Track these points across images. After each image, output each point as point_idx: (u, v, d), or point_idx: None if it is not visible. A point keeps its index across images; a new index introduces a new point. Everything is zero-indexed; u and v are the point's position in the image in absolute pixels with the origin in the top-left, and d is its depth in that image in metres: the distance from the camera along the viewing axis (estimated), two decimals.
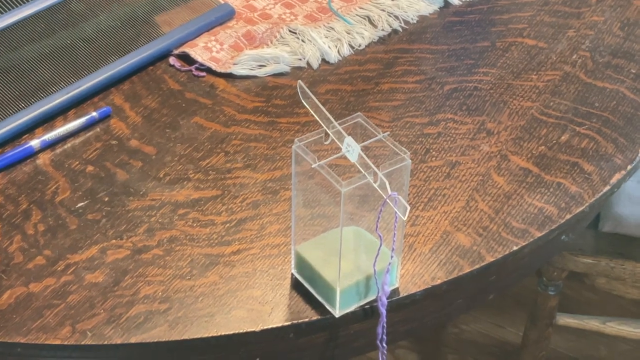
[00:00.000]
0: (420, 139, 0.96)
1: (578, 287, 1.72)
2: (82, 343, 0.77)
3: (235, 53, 1.06)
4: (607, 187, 0.91)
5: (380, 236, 0.74)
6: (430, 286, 0.82)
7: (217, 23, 1.09)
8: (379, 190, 0.72)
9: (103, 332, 0.78)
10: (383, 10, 1.11)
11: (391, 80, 1.03)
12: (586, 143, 0.96)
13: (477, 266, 0.83)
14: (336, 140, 0.74)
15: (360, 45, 1.08)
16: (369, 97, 1.01)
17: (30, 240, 0.85)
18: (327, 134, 0.75)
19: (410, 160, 0.74)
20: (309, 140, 0.75)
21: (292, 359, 0.84)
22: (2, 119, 0.95)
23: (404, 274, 0.82)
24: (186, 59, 1.06)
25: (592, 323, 1.44)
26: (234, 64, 1.04)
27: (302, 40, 1.07)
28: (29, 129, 0.96)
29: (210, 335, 0.78)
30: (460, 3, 1.14)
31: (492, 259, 0.84)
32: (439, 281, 0.82)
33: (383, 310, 0.76)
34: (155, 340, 0.77)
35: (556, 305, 1.42)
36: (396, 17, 1.11)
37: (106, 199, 0.89)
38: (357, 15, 1.11)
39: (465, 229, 0.87)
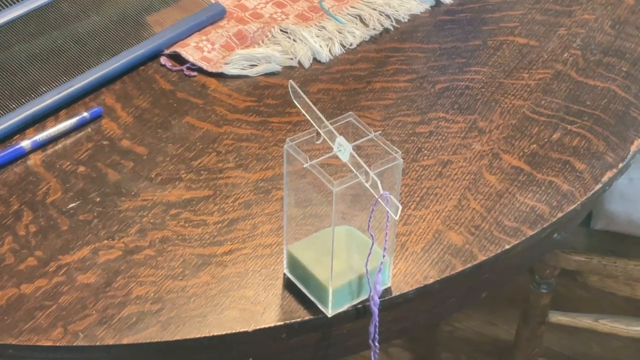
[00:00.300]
0: (412, 138, 0.96)
1: (570, 284, 1.72)
2: (74, 344, 0.77)
3: (227, 53, 1.05)
4: (599, 185, 0.91)
5: (372, 235, 0.74)
6: (422, 285, 0.82)
7: (208, 23, 1.09)
8: (371, 190, 0.72)
9: (95, 333, 0.77)
10: (374, 9, 1.11)
11: (383, 80, 1.03)
12: (578, 141, 0.96)
13: (469, 265, 0.84)
14: (328, 140, 0.74)
15: (351, 45, 1.08)
16: (361, 97, 1.01)
17: (22, 241, 0.85)
18: (318, 134, 0.75)
19: (401, 160, 0.74)
20: (301, 139, 0.75)
21: (285, 358, 0.84)
22: None
23: (396, 273, 0.82)
24: (177, 58, 1.05)
25: (584, 320, 1.44)
26: (226, 64, 1.04)
27: (294, 40, 1.07)
28: (20, 129, 0.96)
29: (203, 335, 0.78)
30: (452, 2, 1.14)
31: (484, 258, 0.84)
32: (432, 280, 0.82)
33: (375, 310, 0.76)
34: (148, 341, 0.77)
35: (549, 303, 1.42)
36: (387, 16, 1.11)
37: (98, 199, 0.89)
38: (348, 14, 1.11)
39: (457, 227, 0.87)
